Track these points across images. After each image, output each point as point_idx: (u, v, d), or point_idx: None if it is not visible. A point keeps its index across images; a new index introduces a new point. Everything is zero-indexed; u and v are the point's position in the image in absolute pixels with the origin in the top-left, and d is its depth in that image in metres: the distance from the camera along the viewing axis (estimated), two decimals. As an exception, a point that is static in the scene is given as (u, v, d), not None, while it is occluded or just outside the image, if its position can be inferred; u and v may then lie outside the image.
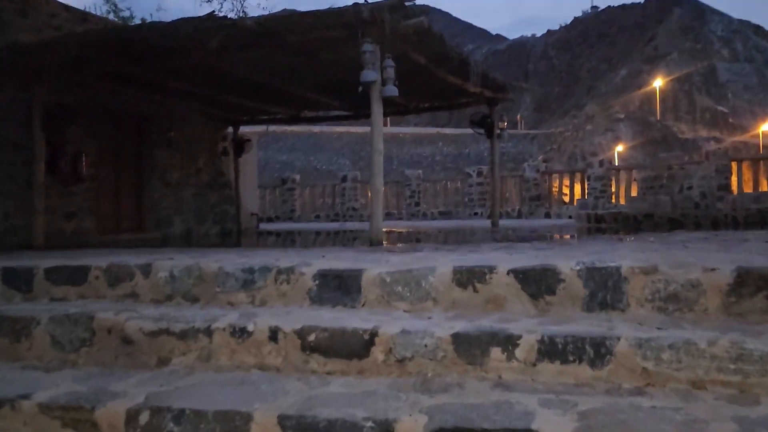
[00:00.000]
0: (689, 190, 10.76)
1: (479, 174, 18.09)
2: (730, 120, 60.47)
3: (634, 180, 14.75)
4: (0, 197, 8.28)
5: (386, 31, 6.40)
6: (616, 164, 36.20)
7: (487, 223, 12.84)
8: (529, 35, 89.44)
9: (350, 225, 15.16)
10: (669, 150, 54.79)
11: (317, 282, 3.06)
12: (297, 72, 8.71)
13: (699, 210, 10.21)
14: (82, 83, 9.12)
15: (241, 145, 13.30)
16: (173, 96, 10.57)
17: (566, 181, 19.16)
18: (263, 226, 15.53)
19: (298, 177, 21.40)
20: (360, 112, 10.37)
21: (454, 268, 2.89)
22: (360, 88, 6.72)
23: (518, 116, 59.92)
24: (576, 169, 19.14)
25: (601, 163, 15.53)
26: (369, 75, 6.54)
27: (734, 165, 14.34)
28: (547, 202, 17.17)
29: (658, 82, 57.34)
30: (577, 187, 19.30)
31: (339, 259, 3.78)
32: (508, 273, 2.80)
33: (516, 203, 19.33)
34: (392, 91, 6.71)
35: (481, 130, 11.01)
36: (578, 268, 2.72)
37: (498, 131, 11.14)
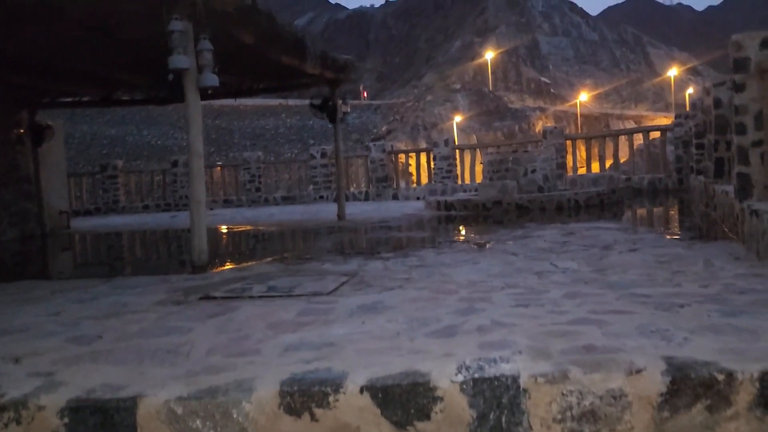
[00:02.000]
0: (533, 174, 10.64)
1: (323, 155, 17.12)
2: (552, 90, 65.03)
3: (481, 163, 14.65)
4: None
5: (198, 6, 5.15)
6: (456, 142, 37.19)
7: (334, 210, 11.99)
8: (368, 5, 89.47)
9: (182, 220, 13.52)
10: (502, 120, 57.75)
11: (66, 422, 1.94)
12: (97, 51, 7.11)
13: (543, 194, 10.10)
14: None
15: (40, 133, 11.15)
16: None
17: (412, 160, 18.87)
18: (77, 223, 13.41)
19: (120, 163, 18.99)
20: (179, 98, 8.94)
21: (281, 387, 1.93)
22: (170, 76, 5.42)
23: (361, 86, 59.60)
24: (422, 149, 18.89)
25: (446, 143, 15.25)
26: (179, 61, 5.25)
27: (569, 144, 14.71)
28: (395, 183, 16.67)
29: (489, 54, 59.91)
30: (424, 166, 19.09)
31: (122, 338, 2.67)
32: (362, 391, 1.90)
33: (363, 184, 18.71)
34: (211, 80, 5.48)
35: (323, 115, 10.03)
36: (461, 379, 1.89)
37: (341, 115, 10.23)
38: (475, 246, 5.70)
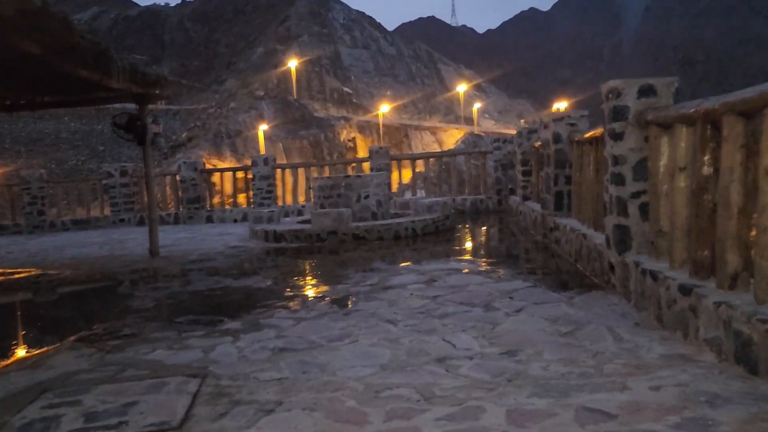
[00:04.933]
0: (366, 199, 10.14)
1: (123, 173, 15.04)
2: (354, 100, 66.57)
3: (309, 182, 13.88)
4: None
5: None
6: (263, 151, 35.99)
7: (141, 239, 10.37)
8: (163, 3, 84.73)
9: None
10: (307, 128, 57.63)
11: None
12: None
13: (380, 222, 9.63)
14: None
15: None
16: None
17: (228, 176, 17.50)
18: None
19: None
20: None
21: None
22: None
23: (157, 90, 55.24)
24: (239, 167, 17.56)
25: (266, 161, 14.20)
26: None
27: (394, 163, 14.54)
28: (208, 204, 15.20)
29: (293, 63, 59.28)
30: (232, 180, 17.81)
31: None
32: None
33: (172, 206, 16.88)
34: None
35: (129, 136, 8.53)
36: None
37: (152, 135, 8.80)
38: (336, 306, 4.92)
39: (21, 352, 4.29)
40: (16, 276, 8.09)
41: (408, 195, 15.18)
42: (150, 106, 8.93)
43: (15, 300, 6.71)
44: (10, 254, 10.71)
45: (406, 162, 15.93)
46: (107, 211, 15.44)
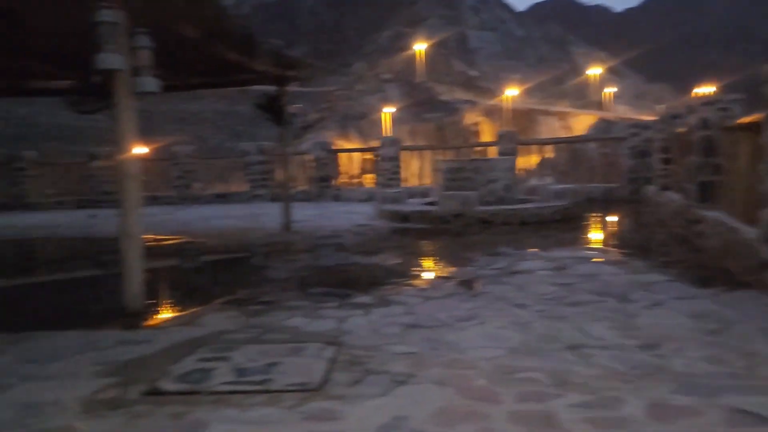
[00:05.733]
0: (493, 183, 10.03)
1: (260, 151, 15.94)
2: (481, 84, 65.52)
3: (435, 164, 13.97)
4: None
5: (136, -8, 4.11)
6: (391, 133, 36.43)
7: (274, 214, 10.94)
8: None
9: (101, 221, 12.10)
10: (432, 111, 57.63)
11: None
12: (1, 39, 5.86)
13: (507, 207, 9.49)
14: None
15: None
16: None
17: (358, 157, 17.98)
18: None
19: (31, 154, 17.03)
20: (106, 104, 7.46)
21: None
22: (95, 78, 4.35)
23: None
24: (367, 149, 17.95)
25: (392, 143, 14.44)
26: (109, 60, 4.19)
27: (520, 149, 14.26)
28: (336, 183, 15.75)
29: (419, 46, 59.22)
30: (357, 161, 18.24)
31: None
32: None
33: (302, 183, 17.65)
34: (149, 85, 4.45)
35: (268, 116, 9.00)
36: None
37: (289, 116, 9.23)
38: (463, 288, 4.95)
39: (176, 311, 4.71)
40: (166, 243, 8.86)
41: (535, 181, 14.81)
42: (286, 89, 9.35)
43: (165, 265, 7.36)
44: (164, 222, 11.73)
45: (532, 148, 15.54)
46: (245, 187, 16.43)
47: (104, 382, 2.97)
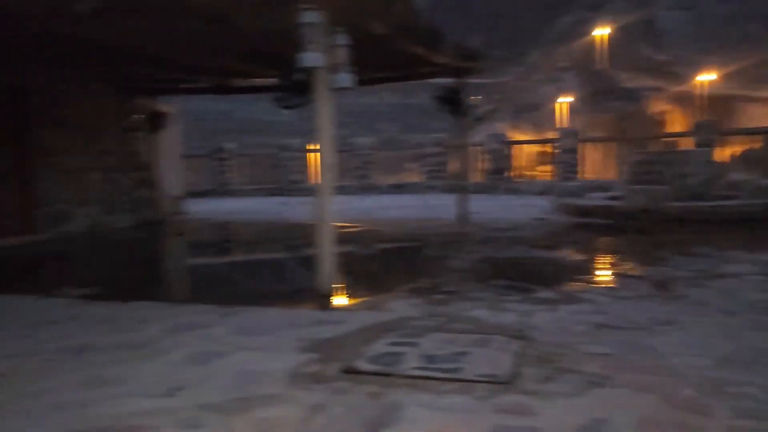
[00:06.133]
0: (687, 178, 9.21)
1: (435, 143, 16.19)
2: (670, 69, 60.37)
3: (618, 157, 13.20)
4: None
5: (337, -7, 4.36)
6: (567, 124, 34.88)
7: (449, 205, 11.03)
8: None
9: (292, 208, 13.11)
10: (613, 100, 54.28)
11: None
12: (212, 42, 6.54)
13: (704, 204, 8.67)
14: None
15: (157, 120, 10.96)
16: (59, 64, 8.17)
17: (530, 149, 17.54)
18: (191, 206, 13.22)
19: (232, 146, 18.92)
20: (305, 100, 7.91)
21: None
22: (297, 75, 4.68)
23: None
24: (543, 140, 17.40)
25: (571, 134, 13.87)
26: (310, 59, 4.49)
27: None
28: (510, 175, 15.50)
29: (601, 31, 55.93)
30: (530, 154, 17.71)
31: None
32: None
33: (476, 175, 17.63)
34: (346, 81, 4.71)
35: (448, 108, 9.08)
36: None
37: (467, 107, 9.24)
38: (657, 289, 4.62)
39: (363, 296, 4.96)
40: (353, 230, 9.34)
41: (736, 175, 13.35)
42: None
43: (343, 251, 7.77)
44: (345, 211, 12.39)
45: (726, 139, 13.99)
46: (419, 178, 16.79)
47: (305, 357, 3.21)
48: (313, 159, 18.58)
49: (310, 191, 17.15)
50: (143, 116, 10.91)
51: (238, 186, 18.38)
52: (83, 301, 4.84)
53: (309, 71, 4.61)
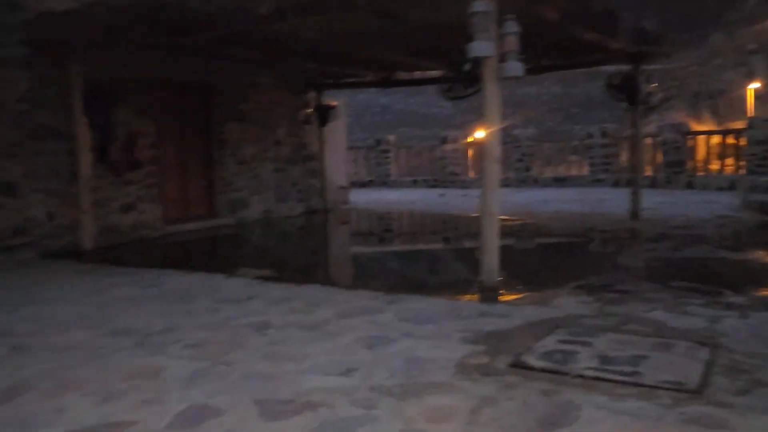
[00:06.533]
0: None
1: (604, 134, 15.33)
2: None
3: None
4: (43, 195, 7.02)
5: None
6: (753, 113, 31.35)
7: (618, 200, 10.40)
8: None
9: (450, 200, 13.15)
10: (812, 84, 47.76)
11: None
12: (382, 36, 6.72)
13: None
14: (128, 54, 7.64)
15: (325, 113, 11.51)
16: (240, 62, 8.87)
17: (710, 140, 15.99)
18: (353, 196, 13.76)
19: (392, 138, 19.38)
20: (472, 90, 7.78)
21: None
22: (466, 66, 4.65)
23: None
24: (728, 131, 15.69)
25: (761, 124, 12.38)
26: (481, 48, 4.45)
27: None
28: (689, 169, 14.23)
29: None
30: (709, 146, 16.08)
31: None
32: None
33: (648, 169, 16.43)
34: (516, 69, 4.59)
35: (621, 96, 8.53)
36: None
37: (644, 95, 8.62)
38: None
39: (527, 290, 4.83)
40: (513, 222, 9.15)
41: None
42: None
43: (504, 244, 7.61)
44: (505, 203, 12.18)
45: None
46: (585, 171, 16.02)
47: (472, 348, 3.19)
48: (471, 151, 18.47)
49: (468, 183, 17.15)
50: (313, 110, 11.52)
51: (397, 177, 18.80)
52: (260, 281, 5.23)
53: (478, 61, 4.57)
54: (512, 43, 4.55)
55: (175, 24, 5.90)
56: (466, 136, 18.64)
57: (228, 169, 9.82)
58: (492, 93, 4.58)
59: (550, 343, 3.23)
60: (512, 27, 4.56)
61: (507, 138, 18.67)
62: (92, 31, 6.23)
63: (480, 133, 21.01)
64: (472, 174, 17.88)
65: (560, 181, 16.17)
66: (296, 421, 2.34)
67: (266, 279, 5.32)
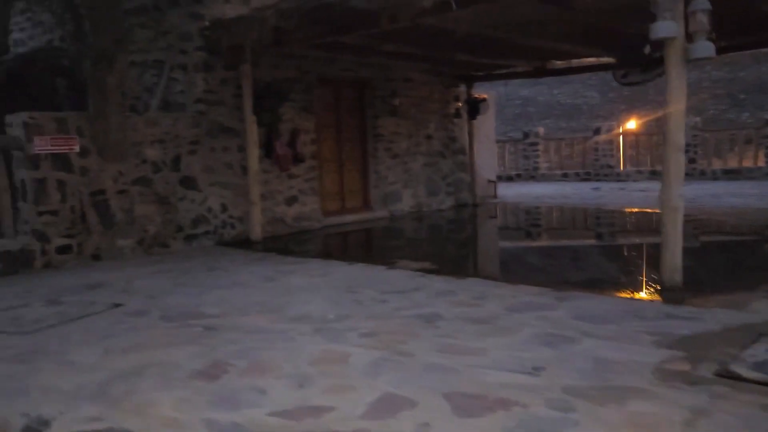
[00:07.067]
0: None
1: (784, 122, 13.73)
2: None
3: None
4: (217, 188, 7.58)
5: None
6: None
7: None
8: None
9: (606, 194, 12.44)
10: None
11: None
12: (542, 23, 6.46)
13: None
14: (292, 56, 8.03)
15: (475, 106, 11.38)
16: (393, 57, 8.99)
17: None
18: (500, 190, 13.48)
19: (541, 130, 18.72)
20: (651, 75, 7.14)
21: None
22: (647, 48, 4.32)
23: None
24: None
25: None
26: (665, 28, 4.10)
27: None
28: None
29: None
30: None
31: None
32: None
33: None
34: (706, 50, 4.18)
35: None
36: None
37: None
38: None
39: (713, 292, 4.40)
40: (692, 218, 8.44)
41: None
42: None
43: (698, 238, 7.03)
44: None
45: None
46: (760, 162, 14.49)
47: (667, 353, 2.94)
48: (623, 142, 17.37)
49: (624, 176, 16.15)
50: (463, 102, 11.42)
51: (546, 170, 18.16)
52: (421, 274, 5.24)
53: (661, 43, 4.22)
54: (702, 21, 4.14)
55: (339, 23, 6.07)
56: (618, 126, 17.57)
57: (382, 163, 10.00)
58: (677, 77, 4.21)
59: (760, 352, 2.89)
60: (702, 3, 4.15)
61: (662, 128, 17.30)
62: (263, 34, 6.59)
63: (632, 123, 19.60)
64: (623, 167, 16.85)
65: (731, 174, 14.73)
66: (491, 420, 2.27)
67: (426, 271, 5.33)
